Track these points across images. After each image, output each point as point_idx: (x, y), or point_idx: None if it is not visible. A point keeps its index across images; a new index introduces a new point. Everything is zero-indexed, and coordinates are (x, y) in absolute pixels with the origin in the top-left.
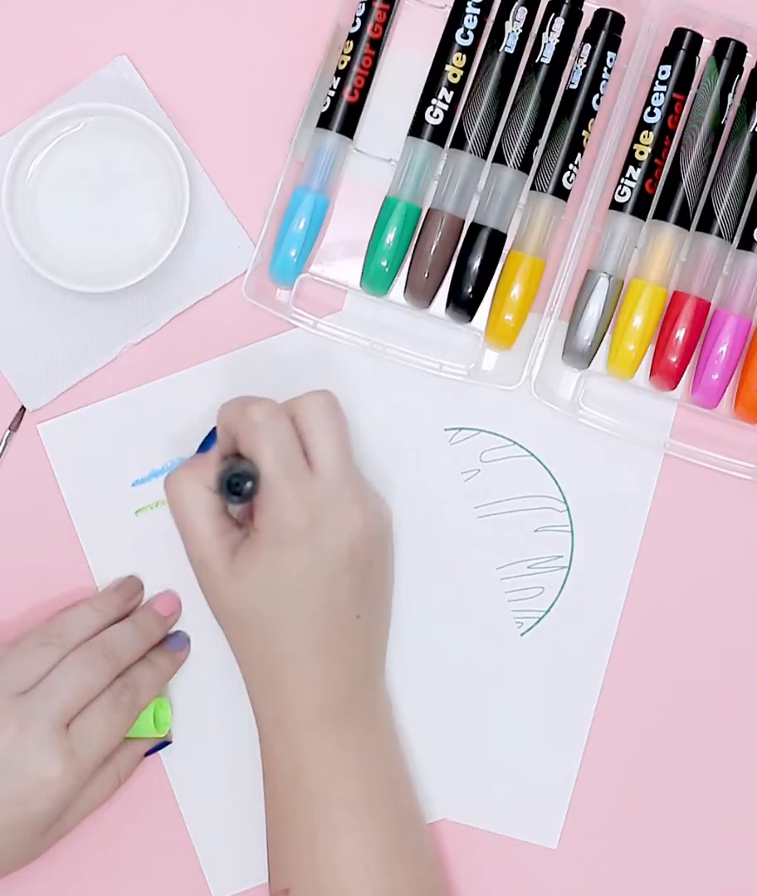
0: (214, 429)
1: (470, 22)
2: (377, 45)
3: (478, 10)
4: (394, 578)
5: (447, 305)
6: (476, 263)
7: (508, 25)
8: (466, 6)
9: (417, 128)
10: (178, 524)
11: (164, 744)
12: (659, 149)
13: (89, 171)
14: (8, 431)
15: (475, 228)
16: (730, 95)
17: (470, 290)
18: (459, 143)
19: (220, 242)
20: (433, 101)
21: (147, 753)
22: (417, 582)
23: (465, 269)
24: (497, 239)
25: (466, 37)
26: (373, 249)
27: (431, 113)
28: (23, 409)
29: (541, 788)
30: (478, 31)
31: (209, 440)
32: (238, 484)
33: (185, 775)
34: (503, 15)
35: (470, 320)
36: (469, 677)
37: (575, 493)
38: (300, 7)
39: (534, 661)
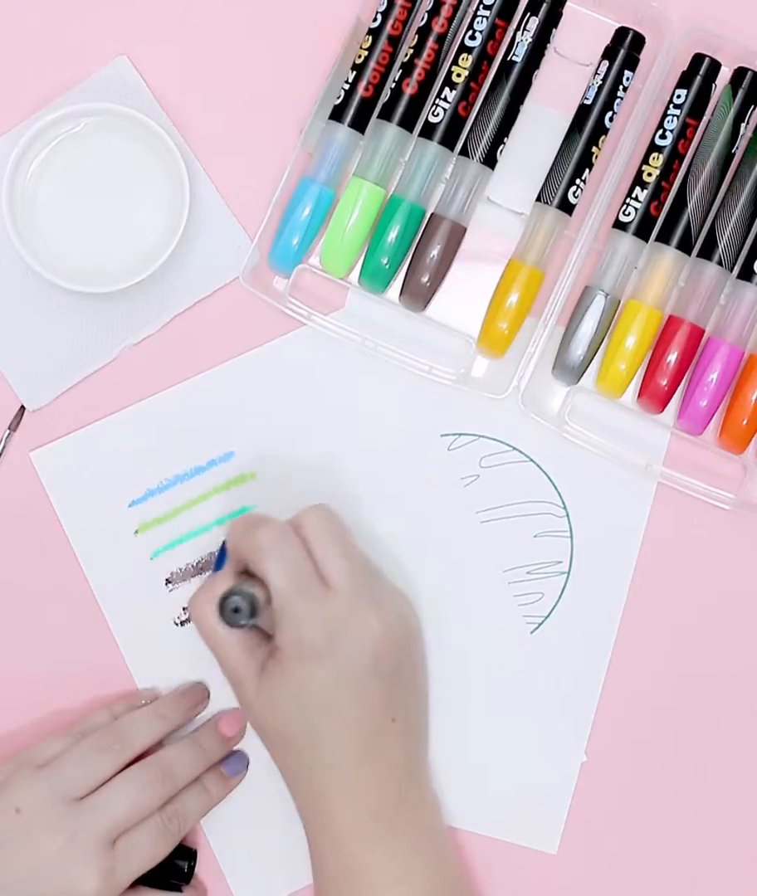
0: (225, 543)
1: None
2: (396, 41)
3: None
4: (427, 672)
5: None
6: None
7: (519, 35)
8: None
9: (427, 131)
10: (207, 645)
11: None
12: (667, 172)
13: (89, 171)
14: (8, 431)
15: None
16: (743, 125)
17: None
18: (467, 151)
19: (220, 242)
20: (437, 101)
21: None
22: (416, 586)
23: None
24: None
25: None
26: (373, 247)
27: (433, 113)
28: (22, 408)
29: (540, 794)
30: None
31: (222, 556)
32: (237, 610)
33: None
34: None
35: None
36: (469, 682)
37: (574, 499)
38: (296, 9)
39: (534, 667)
